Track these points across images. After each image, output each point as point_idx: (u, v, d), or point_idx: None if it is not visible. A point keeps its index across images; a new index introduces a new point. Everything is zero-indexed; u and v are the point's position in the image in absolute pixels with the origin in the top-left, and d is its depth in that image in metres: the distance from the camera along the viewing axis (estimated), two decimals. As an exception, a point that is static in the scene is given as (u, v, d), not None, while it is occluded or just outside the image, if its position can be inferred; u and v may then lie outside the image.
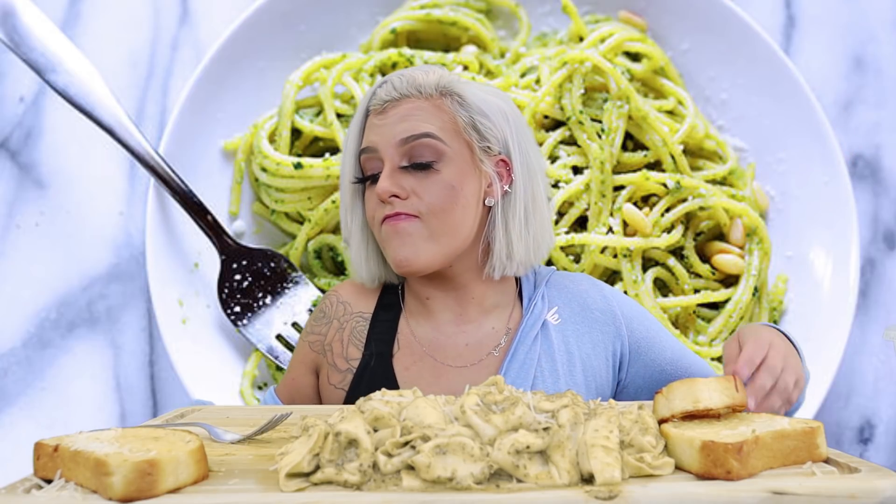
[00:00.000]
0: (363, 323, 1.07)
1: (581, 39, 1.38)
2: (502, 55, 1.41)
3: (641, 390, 1.06)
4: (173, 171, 1.25)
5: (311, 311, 1.30)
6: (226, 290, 1.28)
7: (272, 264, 1.31)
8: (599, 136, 1.28)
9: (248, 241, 1.35)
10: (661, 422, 0.73)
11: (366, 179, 1.04)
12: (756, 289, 1.30)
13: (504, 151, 1.03)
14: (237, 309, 1.28)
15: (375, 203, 1.02)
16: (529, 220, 1.04)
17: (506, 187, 1.03)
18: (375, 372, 1.02)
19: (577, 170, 1.31)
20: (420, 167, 1.00)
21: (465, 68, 1.35)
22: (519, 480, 0.64)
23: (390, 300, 1.09)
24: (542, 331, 1.03)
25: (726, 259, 1.31)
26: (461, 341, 1.04)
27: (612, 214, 1.28)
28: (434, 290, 1.05)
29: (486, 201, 1.03)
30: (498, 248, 1.03)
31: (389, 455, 0.65)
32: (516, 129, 1.05)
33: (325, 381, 1.07)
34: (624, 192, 1.28)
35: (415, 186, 1.00)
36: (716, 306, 1.33)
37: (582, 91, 1.30)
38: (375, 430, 0.68)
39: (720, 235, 1.36)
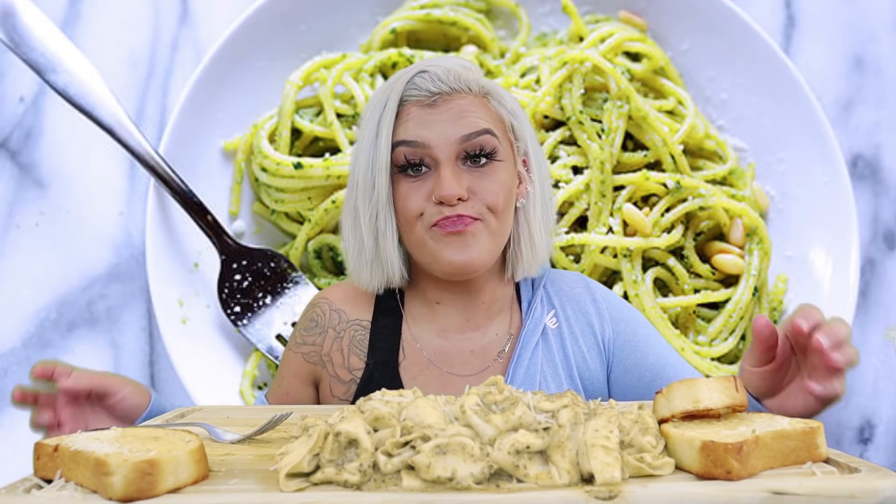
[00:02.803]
0: (362, 332, 1.04)
1: (581, 39, 1.38)
2: (502, 55, 1.41)
3: (625, 395, 1.03)
4: (173, 171, 1.25)
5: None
6: (226, 290, 1.28)
7: (272, 264, 1.31)
8: (599, 136, 1.28)
9: (248, 241, 1.35)
10: (661, 422, 0.72)
11: (412, 170, 0.98)
12: (756, 289, 1.30)
13: (526, 152, 1.04)
14: (237, 309, 1.28)
15: (425, 203, 0.97)
16: (545, 219, 1.05)
17: (528, 188, 1.03)
18: (382, 382, 0.99)
19: (577, 170, 1.31)
20: (478, 161, 0.97)
21: (465, 68, 1.35)
22: (519, 480, 0.64)
23: (389, 305, 1.05)
24: (541, 336, 1.02)
25: (726, 259, 1.31)
26: (467, 348, 1.02)
27: (612, 214, 1.28)
28: (447, 293, 1.03)
29: (517, 202, 1.03)
30: (525, 249, 1.02)
31: (389, 455, 0.65)
32: (531, 130, 1.06)
33: (326, 392, 1.04)
34: (624, 192, 1.28)
35: (473, 185, 0.97)
36: (716, 306, 1.33)
37: (582, 91, 1.30)
38: (375, 430, 0.68)
39: (720, 235, 1.36)
